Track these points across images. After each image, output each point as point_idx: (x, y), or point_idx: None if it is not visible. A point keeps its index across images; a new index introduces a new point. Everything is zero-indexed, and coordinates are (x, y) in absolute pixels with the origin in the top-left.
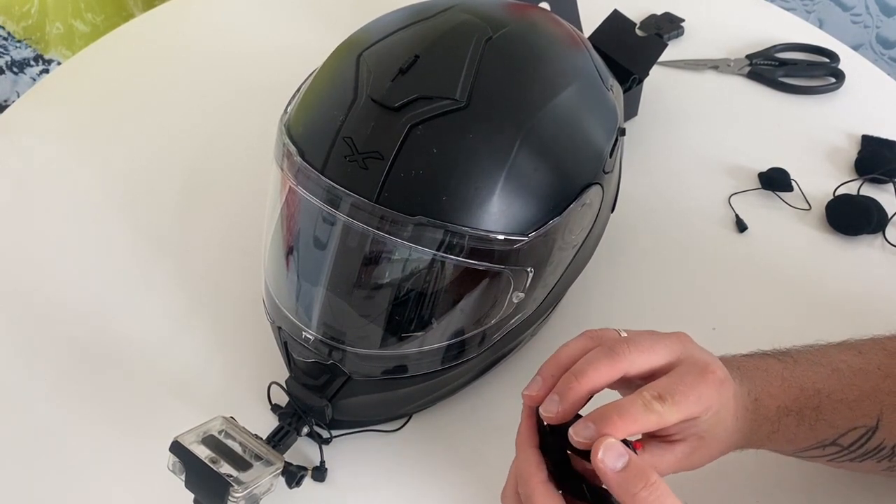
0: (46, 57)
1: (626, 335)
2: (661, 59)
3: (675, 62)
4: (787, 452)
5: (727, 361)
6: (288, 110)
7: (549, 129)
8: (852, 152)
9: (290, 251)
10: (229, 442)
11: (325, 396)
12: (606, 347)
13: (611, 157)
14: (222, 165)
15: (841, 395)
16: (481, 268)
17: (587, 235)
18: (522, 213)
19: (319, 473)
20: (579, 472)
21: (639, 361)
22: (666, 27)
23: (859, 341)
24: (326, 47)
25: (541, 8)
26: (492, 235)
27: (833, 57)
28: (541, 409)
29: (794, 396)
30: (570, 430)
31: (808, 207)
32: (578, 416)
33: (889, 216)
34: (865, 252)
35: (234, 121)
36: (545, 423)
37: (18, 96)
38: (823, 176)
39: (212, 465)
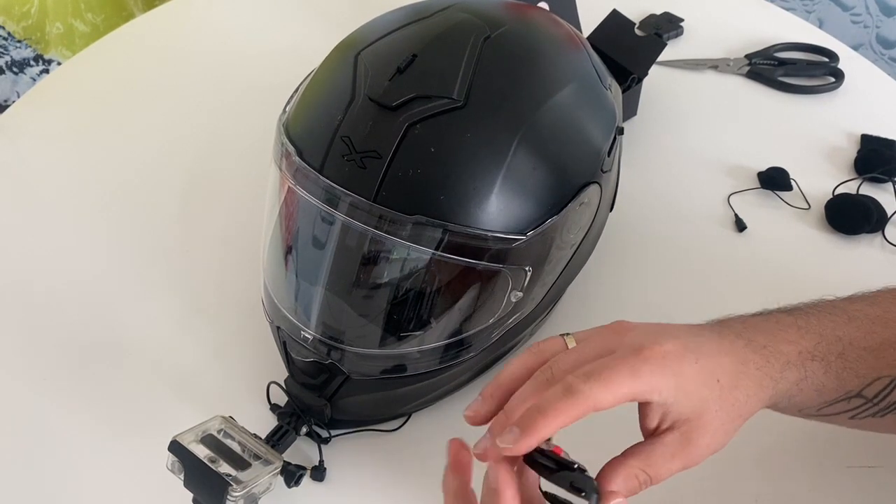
0: (46, 57)
1: (571, 344)
2: (660, 58)
3: (674, 62)
4: (813, 408)
5: (723, 323)
6: (286, 110)
7: (547, 128)
8: (852, 151)
9: (288, 251)
10: (228, 441)
11: (323, 396)
12: (562, 388)
13: (609, 156)
14: (222, 165)
15: (863, 342)
16: (479, 267)
17: (585, 234)
18: (520, 212)
19: (318, 473)
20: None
21: (603, 398)
22: (665, 27)
23: (869, 293)
24: (325, 47)
25: (539, 7)
26: (490, 234)
27: (833, 57)
28: (498, 440)
29: (814, 342)
30: (497, 439)
31: (807, 207)
32: None
33: (888, 215)
34: (865, 251)
35: (234, 120)
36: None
37: (18, 96)
38: (823, 175)
39: (210, 465)
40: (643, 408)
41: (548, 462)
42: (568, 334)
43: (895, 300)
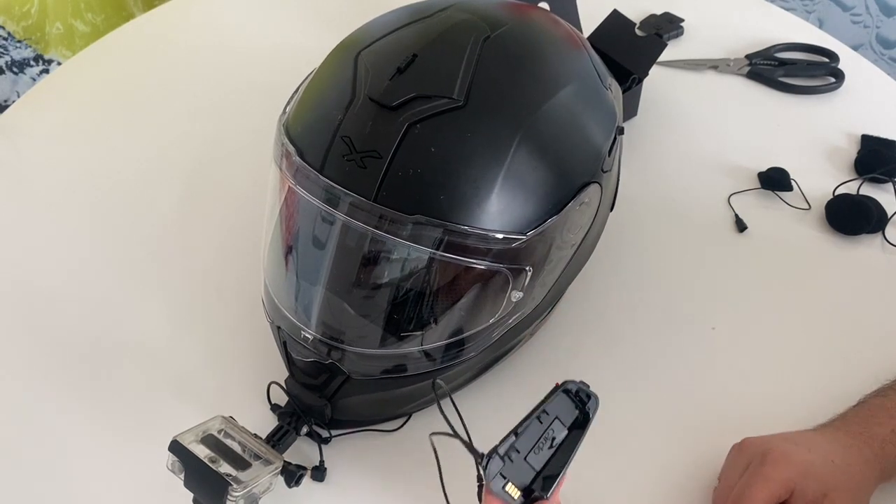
0: (46, 57)
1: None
2: (660, 58)
3: (674, 62)
4: None
5: (823, 425)
6: (286, 110)
7: (548, 127)
8: (852, 152)
9: (289, 251)
10: (228, 441)
11: (324, 396)
12: None
13: (609, 156)
14: (222, 165)
15: None
16: (480, 267)
17: (586, 234)
18: (521, 211)
19: (319, 473)
20: None
21: None
22: (665, 27)
23: None
24: (325, 47)
25: (540, 7)
26: (490, 234)
27: (833, 57)
28: None
29: None
30: None
31: (807, 207)
32: None
33: (889, 216)
34: (865, 251)
35: (234, 120)
36: None
37: (18, 96)
38: (823, 175)
39: (211, 465)
40: (789, 500)
41: None
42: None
43: None
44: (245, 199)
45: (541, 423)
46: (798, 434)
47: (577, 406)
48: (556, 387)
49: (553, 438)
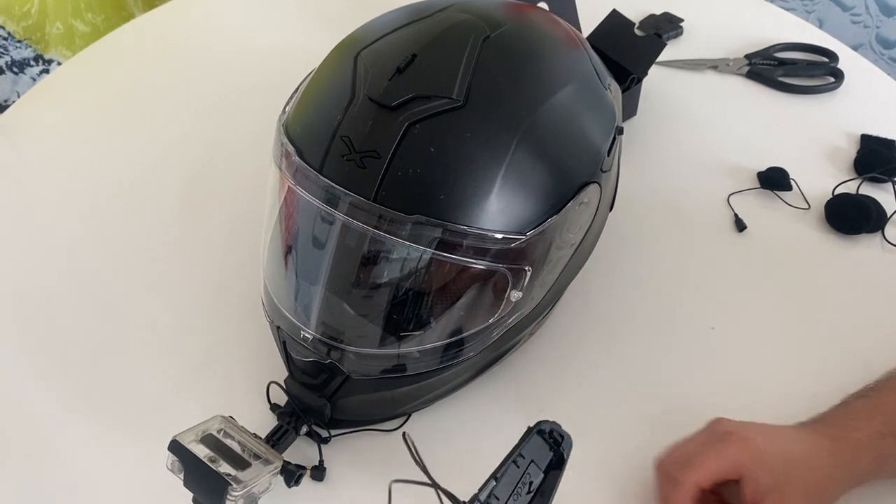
0: (46, 57)
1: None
2: (660, 58)
3: (674, 62)
4: None
5: (804, 423)
6: (286, 110)
7: (547, 127)
8: (851, 151)
9: (288, 250)
10: (228, 441)
11: (323, 396)
12: (665, 477)
13: (609, 155)
14: (222, 165)
15: None
16: (479, 266)
17: (585, 234)
18: (520, 211)
19: (318, 472)
20: None
21: (699, 480)
22: (665, 27)
23: None
24: (325, 47)
25: (539, 7)
26: (489, 234)
27: (832, 56)
28: None
29: (881, 421)
30: None
31: (807, 207)
32: None
33: (888, 215)
34: (864, 251)
35: (234, 120)
36: None
37: (18, 96)
38: (822, 175)
39: (210, 465)
40: (739, 485)
41: None
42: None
43: None
44: (245, 199)
45: (518, 467)
46: (771, 427)
47: (551, 448)
48: (529, 429)
49: (531, 482)
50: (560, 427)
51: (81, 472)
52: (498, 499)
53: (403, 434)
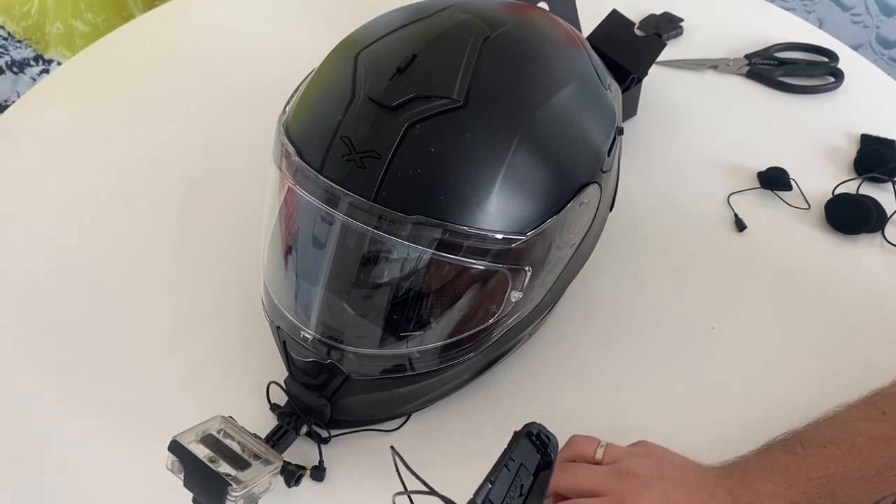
0: (46, 57)
1: (599, 454)
2: (660, 58)
3: (674, 62)
4: None
5: (725, 470)
6: (286, 110)
7: (547, 128)
8: (851, 151)
9: (288, 251)
10: (228, 441)
11: (323, 396)
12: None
13: (609, 156)
14: (222, 165)
15: (859, 473)
16: (479, 267)
17: (585, 234)
18: (520, 212)
19: (318, 473)
20: None
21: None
22: (665, 27)
23: (885, 395)
24: (325, 47)
25: (539, 7)
26: (489, 234)
27: (832, 56)
28: None
29: (801, 490)
30: None
31: (807, 207)
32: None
33: (888, 215)
34: (864, 251)
35: (234, 120)
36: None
37: (18, 96)
38: (822, 175)
39: (210, 465)
40: None
41: None
42: (602, 445)
43: None
44: (245, 199)
45: (509, 470)
46: (678, 487)
47: (538, 450)
48: (517, 433)
49: (522, 486)
50: (546, 429)
51: (81, 472)
52: (492, 502)
53: (391, 448)
